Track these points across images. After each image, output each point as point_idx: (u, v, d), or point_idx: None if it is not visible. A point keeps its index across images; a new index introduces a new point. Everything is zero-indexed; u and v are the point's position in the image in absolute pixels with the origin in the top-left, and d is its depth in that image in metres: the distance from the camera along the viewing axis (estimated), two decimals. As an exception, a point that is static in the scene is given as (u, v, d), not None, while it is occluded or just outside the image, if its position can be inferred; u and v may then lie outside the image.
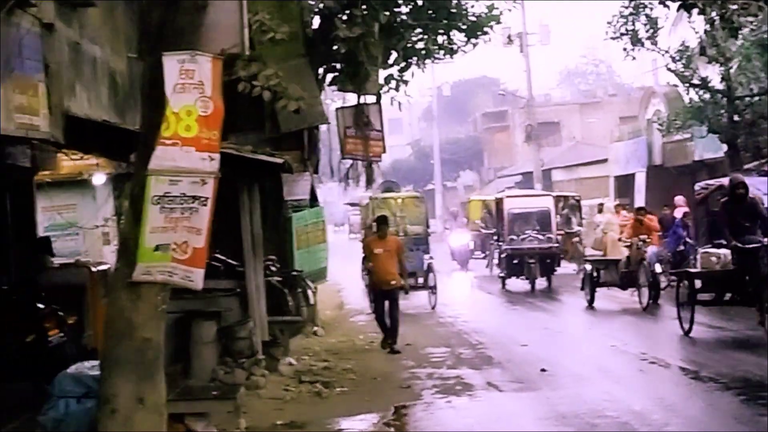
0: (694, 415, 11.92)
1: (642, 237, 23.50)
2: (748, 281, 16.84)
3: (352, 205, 49.42)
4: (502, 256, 28.92)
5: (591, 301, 23.63)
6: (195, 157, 9.59)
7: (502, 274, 29.11)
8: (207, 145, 9.64)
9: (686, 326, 17.80)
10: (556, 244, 28.91)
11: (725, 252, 17.60)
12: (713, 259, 17.88)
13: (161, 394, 9.75)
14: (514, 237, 28.55)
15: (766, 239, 16.76)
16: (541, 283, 28.35)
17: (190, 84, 9.60)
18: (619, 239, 27.07)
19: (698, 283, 18.01)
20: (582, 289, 24.38)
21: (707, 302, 18.19)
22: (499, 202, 30.88)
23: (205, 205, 9.66)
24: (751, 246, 16.74)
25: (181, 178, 9.57)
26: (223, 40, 10.10)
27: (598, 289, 23.92)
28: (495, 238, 31.46)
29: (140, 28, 9.82)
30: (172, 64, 9.58)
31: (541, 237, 28.54)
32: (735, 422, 11.46)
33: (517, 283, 28.73)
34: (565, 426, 11.48)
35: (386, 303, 18.08)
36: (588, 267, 24.49)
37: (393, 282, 17.97)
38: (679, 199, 31.48)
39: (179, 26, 9.71)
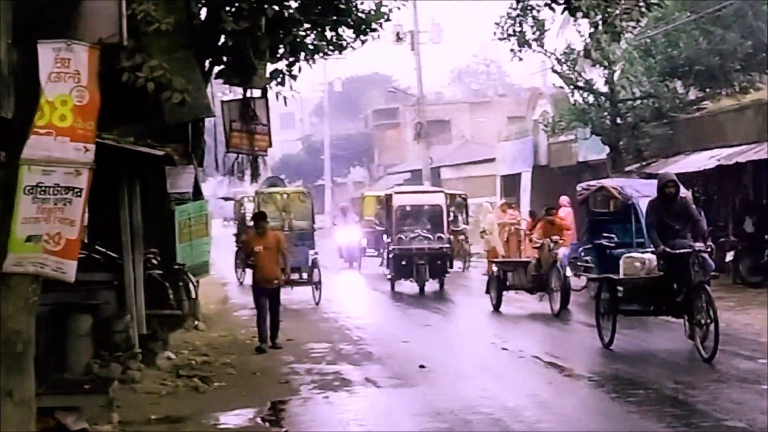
0: (566, 412, 12.09)
1: (554, 238, 22.36)
2: (677, 290, 15.29)
3: (225, 199, 48.70)
4: (390, 256, 27.31)
5: (497, 306, 22.49)
6: (69, 147, 9.46)
7: (390, 276, 27.53)
8: (82, 135, 9.51)
9: (606, 338, 16.27)
10: (448, 245, 27.33)
11: (650, 257, 16.45)
12: (637, 264, 16.82)
13: (30, 388, 9.60)
14: (403, 236, 26.96)
15: (697, 244, 15.18)
16: (433, 285, 27.14)
17: (66, 73, 9.48)
18: (530, 239, 27.44)
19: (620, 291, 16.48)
20: (487, 292, 22.96)
21: (631, 312, 16.57)
22: (388, 198, 28.91)
23: (79, 196, 9.53)
24: (681, 251, 15.03)
25: (54, 168, 9.45)
26: (101, 30, 9.89)
27: (505, 292, 22.75)
28: (384, 237, 29.89)
29: (15, 14, 9.60)
30: (47, 53, 9.44)
31: (431, 236, 27.01)
32: (605, 420, 11.66)
33: (408, 286, 27.35)
34: (440, 422, 11.55)
35: (268, 302, 17.72)
36: (495, 269, 23.42)
37: (276, 281, 17.73)
38: (564, 200, 31.94)
39: (55, 14, 9.54)
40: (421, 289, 26.45)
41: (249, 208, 33.15)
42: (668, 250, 15.04)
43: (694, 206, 16.18)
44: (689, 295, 15.05)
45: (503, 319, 21.71)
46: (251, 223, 31.30)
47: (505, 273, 22.96)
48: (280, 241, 18.17)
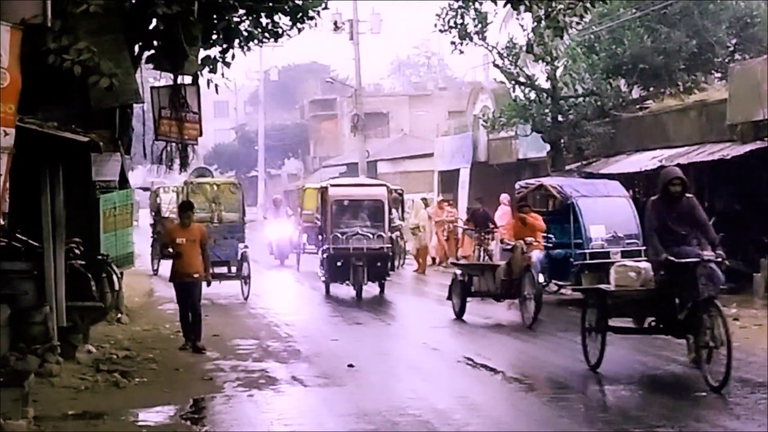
0: (495, 415, 12.21)
1: (527, 239, 20.64)
2: (680, 305, 13.53)
3: (144, 189, 48.08)
4: (325, 256, 25.20)
5: (460, 313, 20.81)
6: (-12, 131, 9.40)
7: (324, 278, 25.60)
8: (2, 119, 9.49)
9: (593, 359, 14.45)
10: (389, 244, 25.41)
11: (646, 266, 14.52)
12: (632, 274, 14.59)
13: (-59, 380, 9.53)
14: (339, 234, 24.82)
15: (706, 252, 13.43)
16: (372, 289, 25.45)
17: (-14, 54, 9.41)
18: (502, 239, 27.43)
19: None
20: (449, 298, 21.31)
21: (623, 330, 14.89)
22: (323, 191, 26.71)
23: (-3, 181, 9.46)
24: (686, 260, 13.33)
25: (-28, 152, 9.37)
26: (24, 10, 9.88)
27: (469, 299, 21.00)
28: (318, 235, 27.60)
29: (-66, -8, 9.54)
30: (-34, 32, 9.37)
31: (370, 235, 24.87)
32: (536, 423, 11.80)
33: (343, 290, 25.57)
34: (366, 423, 11.60)
35: (188, 297, 17.20)
36: (458, 272, 21.39)
37: (196, 275, 17.17)
38: (504, 197, 32.22)
39: (-25, -8, 9.47)
40: (358, 294, 24.63)
41: (165, 199, 33.06)
42: (672, 258, 13.34)
43: (701, 208, 14.14)
44: (695, 312, 13.21)
45: (468, 330, 19.86)
46: (167, 215, 31.54)
47: (471, 277, 21.06)
48: (204, 235, 17.67)
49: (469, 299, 20.97)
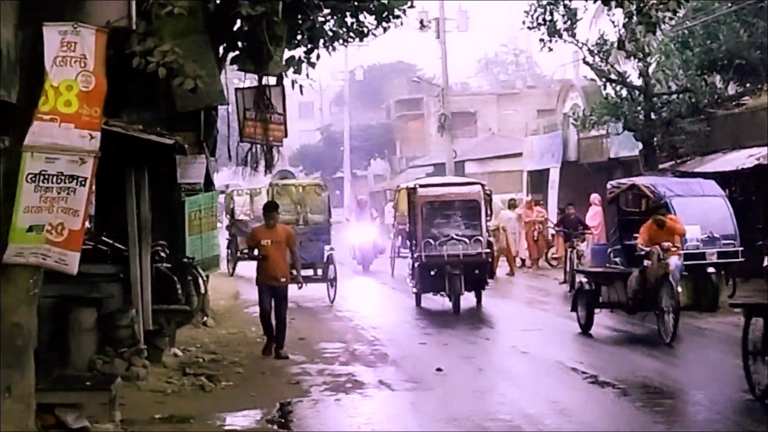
0: (587, 420, 12.13)
1: (664, 244, 18.48)
2: None
3: (220, 192, 48.06)
4: (416, 265, 23.19)
5: (587, 326, 19.00)
6: (74, 134, 9.55)
7: (415, 289, 23.80)
8: (87, 122, 9.60)
9: (761, 386, 12.56)
10: (487, 249, 23.08)
11: None
12: None
13: (30, 383, 9.72)
14: (431, 240, 22.73)
15: None
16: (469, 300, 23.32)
17: (72, 57, 9.56)
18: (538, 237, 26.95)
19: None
20: (573, 309, 19.48)
21: None
22: (411, 192, 24.38)
23: (83, 185, 9.62)
24: None
25: (58, 155, 9.54)
26: (109, 13, 9.99)
27: (597, 310, 19.27)
28: (408, 241, 25.37)
29: (22, -5, 9.71)
30: (52, 35, 9.53)
31: (466, 240, 22.71)
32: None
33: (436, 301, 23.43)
34: (455, 427, 11.62)
35: (273, 301, 16.86)
36: (583, 280, 19.80)
37: (283, 279, 16.84)
38: (594, 198, 31.98)
39: (62, -4, 9.63)
40: (455, 306, 22.19)
41: (239, 202, 33.28)
42: None
43: None
44: None
45: (596, 346, 17.97)
46: (241, 217, 31.75)
47: (598, 286, 19.36)
48: (290, 237, 17.29)
49: (596, 311, 19.16)
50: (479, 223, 23.20)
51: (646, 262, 18.41)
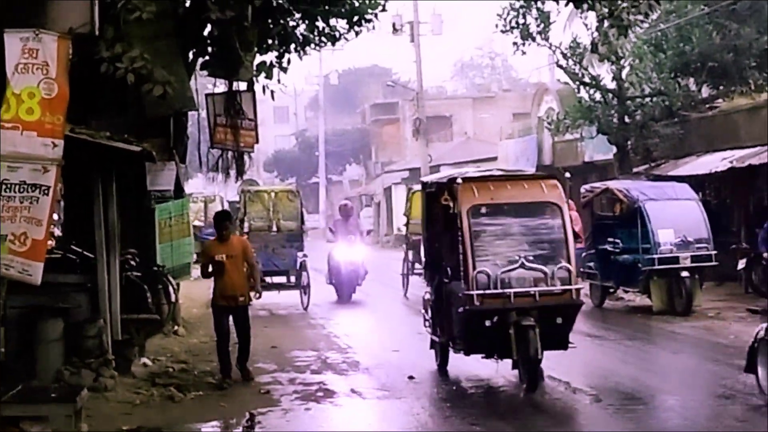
0: (561, 427, 12.09)
1: None
2: None
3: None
4: (460, 311, 14.22)
5: None
6: (37, 142, 9.49)
7: (437, 339, 15.91)
8: (50, 130, 9.53)
9: None
10: (578, 285, 14.68)
11: None
12: None
13: (-7, 396, 9.59)
14: (487, 270, 13.83)
15: None
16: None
17: (34, 64, 9.50)
18: None
19: None
20: (748, 369, 13.20)
21: None
22: (449, 191, 14.90)
23: (46, 194, 9.55)
24: None
25: (21, 164, 9.47)
26: (72, 19, 9.93)
27: None
28: (425, 265, 17.45)
29: (-18, 2, 9.63)
30: (14, 42, 9.46)
31: (544, 269, 13.95)
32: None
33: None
34: (426, 436, 11.53)
35: (231, 321, 15.37)
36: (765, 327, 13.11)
37: (242, 298, 15.19)
38: (569, 202, 31.94)
39: (24, 2, 9.54)
40: (532, 383, 13.90)
41: (193, 208, 32.97)
42: None
43: None
44: None
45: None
46: (195, 223, 30.97)
47: None
48: (247, 249, 15.67)
49: None
50: (561, 244, 14.37)
51: None
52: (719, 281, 24.97)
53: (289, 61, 20.62)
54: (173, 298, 18.28)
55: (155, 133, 18.08)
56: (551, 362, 15.84)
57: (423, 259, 17.82)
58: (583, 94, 31.56)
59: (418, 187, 23.50)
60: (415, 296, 23.87)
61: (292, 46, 20.77)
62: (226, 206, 41.00)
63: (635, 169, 30.52)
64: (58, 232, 20.47)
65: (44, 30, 9.50)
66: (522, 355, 13.73)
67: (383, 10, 21.54)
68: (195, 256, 21.61)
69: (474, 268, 13.82)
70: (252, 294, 15.66)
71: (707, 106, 30.72)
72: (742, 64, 28.79)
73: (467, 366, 16.11)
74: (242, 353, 15.45)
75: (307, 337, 20.19)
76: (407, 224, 30.98)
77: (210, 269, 15.25)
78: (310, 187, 78.02)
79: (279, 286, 25.79)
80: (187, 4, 18.56)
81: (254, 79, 19.96)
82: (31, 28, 9.44)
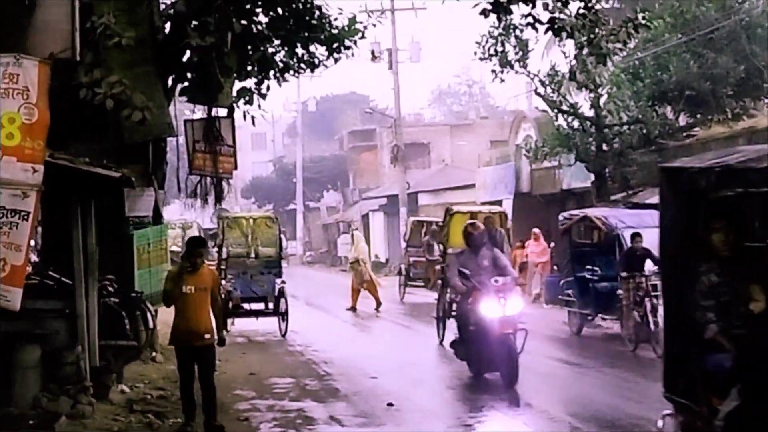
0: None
1: None
2: None
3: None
4: None
5: None
6: (16, 168, 9.46)
7: None
8: (30, 155, 9.50)
9: None
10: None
11: None
12: None
13: (-31, 423, 9.51)
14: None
15: None
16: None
17: (14, 89, 9.47)
18: None
19: None
20: None
21: None
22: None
23: (26, 219, 9.51)
24: None
25: (0, 189, 9.39)
26: (53, 44, 9.93)
27: None
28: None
29: (-38, 26, 9.61)
30: (-6, 67, 9.41)
31: None
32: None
33: None
34: (406, 464, 11.48)
35: (196, 365, 13.20)
36: None
37: (207, 335, 13.12)
38: (536, 231, 32.12)
39: (4, 26, 9.53)
40: None
41: (171, 235, 32.86)
42: None
43: None
44: None
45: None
46: (173, 248, 30.79)
47: None
48: (216, 281, 13.73)
49: None
50: None
51: None
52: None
53: (268, 88, 20.65)
54: (151, 325, 18.15)
55: (134, 159, 18.02)
56: (530, 390, 15.88)
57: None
58: (561, 121, 31.72)
59: (460, 208, 23.52)
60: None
61: (272, 72, 20.79)
62: (203, 233, 41.03)
63: (613, 197, 30.64)
64: (35, 257, 20.37)
65: (25, 55, 9.48)
66: None
67: (362, 37, 21.60)
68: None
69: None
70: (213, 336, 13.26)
71: (685, 134, 30.91)
72: (719, 93, 28.96)
73: (447, 396, 16.14)
74: (208, 406, 13.15)
75: (286, 364, 20.12)
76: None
77: (173, 299, 13.20)
78: (287, 214, 77.95)
79: (257, 313, 25.73)
80: (167, 31, 18.58)
81: (234, 105, 19.99)
82: (11, 53, 9.41)
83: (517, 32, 29.71)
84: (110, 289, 16.95)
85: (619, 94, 30.20)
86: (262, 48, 19.70)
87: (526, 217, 38.23)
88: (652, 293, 20.03)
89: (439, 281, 24.54)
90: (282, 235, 27.77)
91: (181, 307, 13.05)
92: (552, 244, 31.12)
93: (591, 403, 15.15)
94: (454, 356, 17.81)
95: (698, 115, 30.62)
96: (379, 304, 31.01)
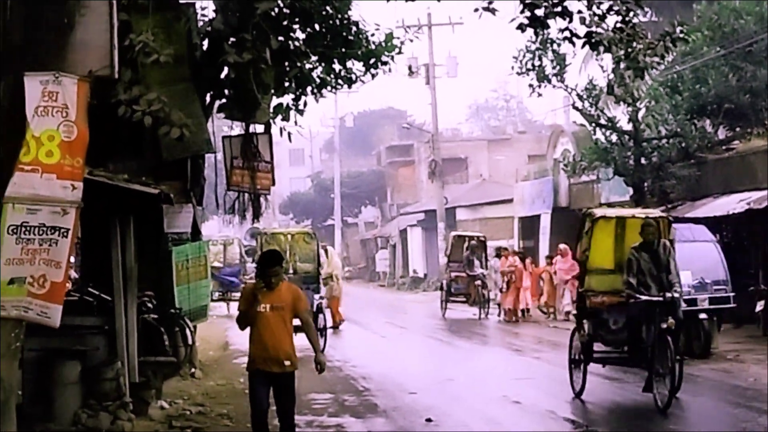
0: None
1: None
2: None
3: None
4: None
5: None
6: (56, 185, 9.49)
7: None
8: (69, 172, 9.54)
9: None
10: None
11: None
12: None
13: (11, 439, 9.57)
14: None
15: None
16: None
17: (54, 107, 9.52)
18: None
19: None
20: None
21: None
22: None
23: (65, 236, 9.54)
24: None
25: (40, 207, 9.47)
26: (92, 62, 9.96)
27: None
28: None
29: (2, 43, 9.66)
30: (34, 85, 9.48)
31: None
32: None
33: None
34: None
35: (273, 395, 11.90)
36: None
37: (287, 362, 11.76)
38: (563, 247, 31.92)
39: (44, 44, 9.58)
40: None
41: (213, 250, 32.95)
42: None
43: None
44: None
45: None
46: (215, 264, 30.69)
47: None
48: (300, 300, 11.94)
49: None
50: None
51: None
52: (737, 323, 24.84)
53: (305, 104, 20.69)
54: (190, 341, 18.22)
55: (172, 176, 18.11)
56: (569, 405, 15.82)
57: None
58: (599, 135, 31.57)
59: (605, 212, 19.76)
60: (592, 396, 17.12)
61: (309, 88, 20.84)
62: (242, 249, 41.12)
63: (652, 211, 30.46)
64: (74, 274, 20.49)
65: (64, 73, 9.53)
66: None
67: (399, 52, 21.61)
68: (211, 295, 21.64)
69: None
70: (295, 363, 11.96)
71: (724, 147, 30.69)
72: (758, 106, 28.80)
73: (486, 410, 16.10)
74: None
75: (324, 380, 20.02)
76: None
77: (247, 320, 11.74)
78: (325, 230, 78.03)
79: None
80: (205, 48, 18.67)
81: (271, 121, 20.05)
82: (51, 71, 9.47)
83: (555, 46, 29.64)
84: (149, 305, 17.04)
85: (658, 108, 30.04)
86: (299, 64, 19.71)
87: (564, 232, 38.07)
88: None
89: (572, 315, 22.70)
90: (322, 250, 27.69)
91: (256, 329, 11.63)
92: None
93: (633, 419, 15.02)
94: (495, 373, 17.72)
95: (737, 129, 30.43)
96: (338, 323, 31.10)
